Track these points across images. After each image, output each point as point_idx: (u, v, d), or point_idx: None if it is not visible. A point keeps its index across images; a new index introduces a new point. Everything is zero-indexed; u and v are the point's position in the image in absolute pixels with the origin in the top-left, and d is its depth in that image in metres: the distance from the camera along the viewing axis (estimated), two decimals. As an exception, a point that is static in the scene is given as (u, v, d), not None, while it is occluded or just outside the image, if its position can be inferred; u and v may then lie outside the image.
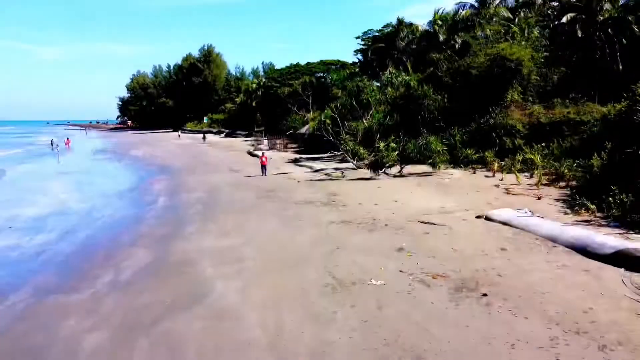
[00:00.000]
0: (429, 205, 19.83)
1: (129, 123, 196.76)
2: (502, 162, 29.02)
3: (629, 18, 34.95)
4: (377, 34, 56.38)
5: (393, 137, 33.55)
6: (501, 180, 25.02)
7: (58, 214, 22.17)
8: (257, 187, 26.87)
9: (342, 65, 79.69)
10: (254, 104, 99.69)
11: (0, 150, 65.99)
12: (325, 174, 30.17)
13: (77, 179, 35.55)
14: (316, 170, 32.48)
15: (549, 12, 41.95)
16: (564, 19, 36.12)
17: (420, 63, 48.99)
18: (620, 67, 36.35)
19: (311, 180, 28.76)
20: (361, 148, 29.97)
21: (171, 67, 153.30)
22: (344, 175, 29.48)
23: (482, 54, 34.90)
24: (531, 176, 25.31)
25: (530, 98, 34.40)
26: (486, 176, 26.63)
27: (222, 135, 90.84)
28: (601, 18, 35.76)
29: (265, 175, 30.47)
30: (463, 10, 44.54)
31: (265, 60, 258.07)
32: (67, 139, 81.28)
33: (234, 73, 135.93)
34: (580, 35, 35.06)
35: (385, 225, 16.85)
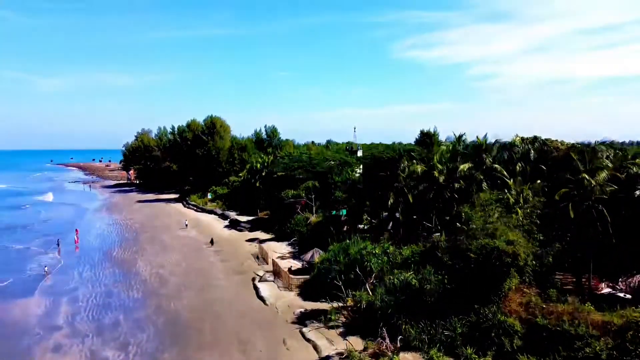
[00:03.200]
0: None
1: (132, 175, 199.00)
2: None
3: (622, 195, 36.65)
4: (378, 155, 58.56)
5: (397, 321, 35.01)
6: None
7: None
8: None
9: (345, 162, 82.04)
10: (257, 184, 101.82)
11: None
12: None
13: None
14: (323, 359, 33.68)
15: (543, 167, 43.82)
16: (556, 197, 37.86)
17: (421, 200, 50.96)
18: (614, 240, 37.89)
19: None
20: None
21: (175, 129, 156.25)
22: (350, 379, 30.72)
23: (479, 228, 36.60)
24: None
25: (527, 279, 35.88)
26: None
27: (227, 222, 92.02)
28: (594, 197, 37.44)
29: None
30: (461, 163, 46.56)
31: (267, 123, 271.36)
32: (77, 231, 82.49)
33: (238, 136, 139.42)
34: (572, 216, 36.72)
35: None
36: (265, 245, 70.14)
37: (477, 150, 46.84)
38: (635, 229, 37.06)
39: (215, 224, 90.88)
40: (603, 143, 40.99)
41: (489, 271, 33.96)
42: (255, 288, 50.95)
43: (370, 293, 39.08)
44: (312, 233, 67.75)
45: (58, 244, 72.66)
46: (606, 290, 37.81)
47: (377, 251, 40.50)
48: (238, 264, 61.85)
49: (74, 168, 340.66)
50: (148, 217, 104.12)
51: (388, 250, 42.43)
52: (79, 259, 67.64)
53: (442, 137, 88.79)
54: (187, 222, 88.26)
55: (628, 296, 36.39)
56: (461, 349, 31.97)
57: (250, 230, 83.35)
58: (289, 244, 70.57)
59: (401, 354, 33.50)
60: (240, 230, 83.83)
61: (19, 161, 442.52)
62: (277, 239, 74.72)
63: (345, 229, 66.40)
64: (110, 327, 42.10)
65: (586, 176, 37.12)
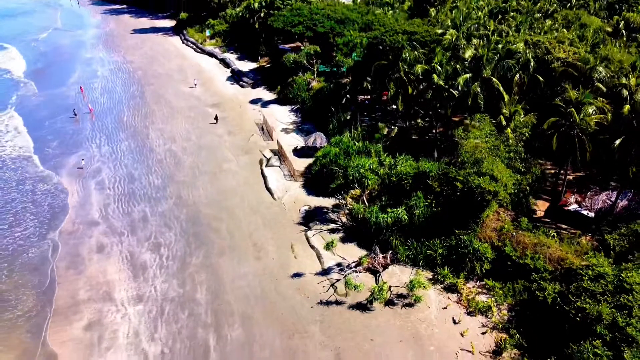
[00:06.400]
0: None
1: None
2: (470, 287, 37.63)
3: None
4: (380, 37, 57.68)
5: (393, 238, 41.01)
6: (463, 335, 34.00)
7: None
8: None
9: (347, 17, 79.16)
10: (256, 25, 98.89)
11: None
12: (332, 286, 38.54)
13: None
14: (325, 271, 40.53)
15: (541, 79, 44.89)
16: (544, 126, 40.23)
17: (417, 98, 52.89)
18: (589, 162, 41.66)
19: (320, 302, 37.43)
20: (361, 285, 37.23)
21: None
22: (347, 294, 37.84)
23: (468, 156, 40.32)
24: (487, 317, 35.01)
25: (504, 204, 40.75)
26: (454, 321, 35.28)
27: (229, 73, 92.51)
28: (579, 128, 39.69)
29: None
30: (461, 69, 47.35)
31: None
32: (81, 89, 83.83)
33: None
34: (554, 148, 39.82)
35: None
36: (268, 111, 73.27)
37: (477, 60, 46.83)
38: (613, 158, 40.49)
39: (218, 77, 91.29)
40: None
41: (471, 201, 38.64)
42: (263, 176, 56.04)
43: (367, 204, 44.41)
44: (314, 103, 70.04)
45: (75, 114, 74.85)
46: (573, 206, 42.73)
47: (374, 166, 44.43)
48: (244, 139, 65.80)
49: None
50: (149, 60, 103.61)
51: (384, 162, 46.30)
52: (93, 127, 71.29)
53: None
54: (196, 82, 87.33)
55: (591, 214, 41.57)
56: (439, 269, 38.68)
57: (253, 86, 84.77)
58: (291, 111, 73.35)
59: (390, 267, 40.51)
60: (243, 87, 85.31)
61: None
62: (280, 101, 76.95)
63: (346, 94, 68.63)
64: (140, 225, 48.48)
65: (574, 110, 38.95)
